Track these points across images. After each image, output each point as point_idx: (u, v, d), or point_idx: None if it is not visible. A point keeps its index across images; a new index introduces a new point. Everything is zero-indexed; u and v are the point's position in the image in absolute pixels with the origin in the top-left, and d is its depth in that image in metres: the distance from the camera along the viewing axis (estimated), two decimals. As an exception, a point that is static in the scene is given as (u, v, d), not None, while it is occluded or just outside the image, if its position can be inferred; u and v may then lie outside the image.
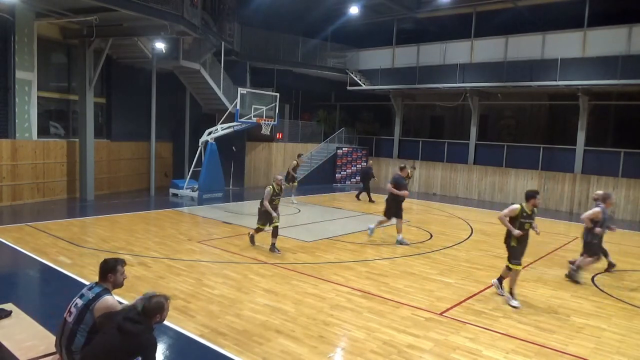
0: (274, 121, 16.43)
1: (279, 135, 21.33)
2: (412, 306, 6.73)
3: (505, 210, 7.04)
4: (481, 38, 19.45)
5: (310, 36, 22.25)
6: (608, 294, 7.77)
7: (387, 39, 22.27)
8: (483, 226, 13.62)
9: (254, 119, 15.71)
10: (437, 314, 6.49)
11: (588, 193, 17.26)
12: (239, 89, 15.48)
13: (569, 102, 18.59)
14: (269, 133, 16.52)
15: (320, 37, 22.75)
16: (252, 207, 15.40)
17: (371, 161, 20.52)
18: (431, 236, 11.69)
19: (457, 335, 5.79)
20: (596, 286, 8.21)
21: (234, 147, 18.73)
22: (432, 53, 20.83)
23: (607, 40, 16.42)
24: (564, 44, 17.29)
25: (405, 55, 21.75)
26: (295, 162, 16.22)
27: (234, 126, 16.04)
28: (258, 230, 9.57)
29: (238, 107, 15.09)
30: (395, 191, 10.35)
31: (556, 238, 12.24)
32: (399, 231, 10.55)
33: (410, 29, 22.51)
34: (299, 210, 14.68)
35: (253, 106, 15.79)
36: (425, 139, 22.82)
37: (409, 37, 22.19)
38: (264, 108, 16.05)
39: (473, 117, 20.53)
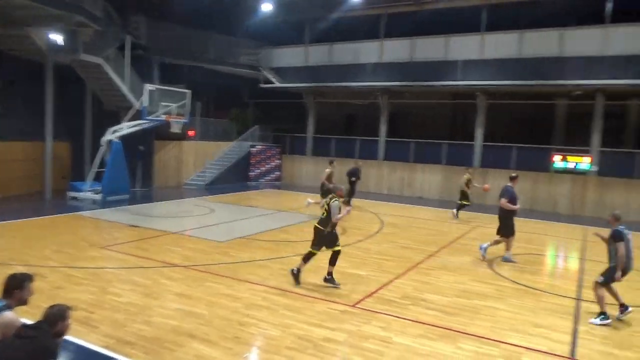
0: (185, 119, 15.87)
1: (190, 133, 20.61)
2: (328, 300, 6.83)
3: None
4: (391, 39, 20.35)
5: (223, 32, 21.73)
6: (506, 277, 8.45)
7: (301, 37, 22.38)
8: (392, 219, 14.21)
9: (163, 117, 15.07)
10: (350, 305, 6.65)
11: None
12: (146, 85, 14.75)
13: (469, 100, 19.83)
14: (179, 131, 15.96)
15: (234, 33, 22.32)
16: (160, 208, 14.88)
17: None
18: (344, 231, 11.96)
19: (370, 325, 5.97)
20: (496, 273, 8.89)
21: (141, 147, 17.74)
22: (345, 52, 21.32)
23: (502, 44, 18.18)
24: (464, 46, 18.87)
25: (318, 54, 22.04)
26: (328, 170, 14.39)
27: (141, 124, 15.25)
28: (310, 255, 7.56)
29: (145, 104, 14.39)
30: (510, 206, 9.35)
31: (459, 227, 13.05)
32: (508, 248, 9.66)
33: (324, 28, 22.77)
34: (213, 210, 14.32)
35: (162, 103, 15.14)
36: (338, 136, 23.18)
37: (322, 36, 22.46)
38: (174, 105, 15.45)
39: (382, 115, 21.29)
